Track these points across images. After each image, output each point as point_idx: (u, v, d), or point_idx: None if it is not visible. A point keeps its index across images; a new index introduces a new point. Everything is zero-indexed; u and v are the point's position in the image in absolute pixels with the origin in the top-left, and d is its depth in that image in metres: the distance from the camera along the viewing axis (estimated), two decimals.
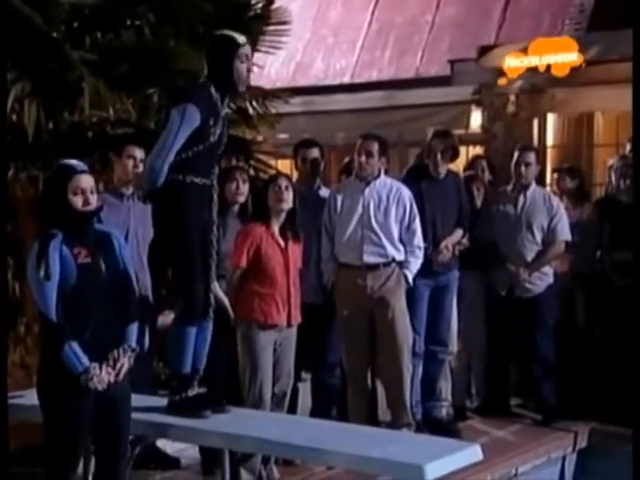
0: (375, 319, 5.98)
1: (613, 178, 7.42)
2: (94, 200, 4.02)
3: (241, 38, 4.57)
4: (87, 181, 4.00)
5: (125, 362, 4.02)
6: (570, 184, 7.41)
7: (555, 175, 7.91)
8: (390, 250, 5.94)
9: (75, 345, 3.89)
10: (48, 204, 4.01)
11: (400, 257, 5.97)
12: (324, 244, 6.01)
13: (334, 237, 5.98)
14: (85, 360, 3.90)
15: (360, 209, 5.95)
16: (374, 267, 5.93)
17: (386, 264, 5.94)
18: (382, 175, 6.05)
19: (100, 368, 3.93)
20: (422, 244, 6.05)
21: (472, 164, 7.54)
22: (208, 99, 4.50)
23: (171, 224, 4.51)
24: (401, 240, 5.98)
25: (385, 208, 5.96)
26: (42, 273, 3.85)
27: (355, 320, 5.95)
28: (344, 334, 6.01)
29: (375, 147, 5.97)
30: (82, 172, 4.01)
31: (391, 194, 5.99)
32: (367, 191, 5.98)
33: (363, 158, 5.96)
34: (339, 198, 6.00)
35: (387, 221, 5.94)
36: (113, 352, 4.00)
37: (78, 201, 3.96)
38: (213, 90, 4.51)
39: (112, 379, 3.97)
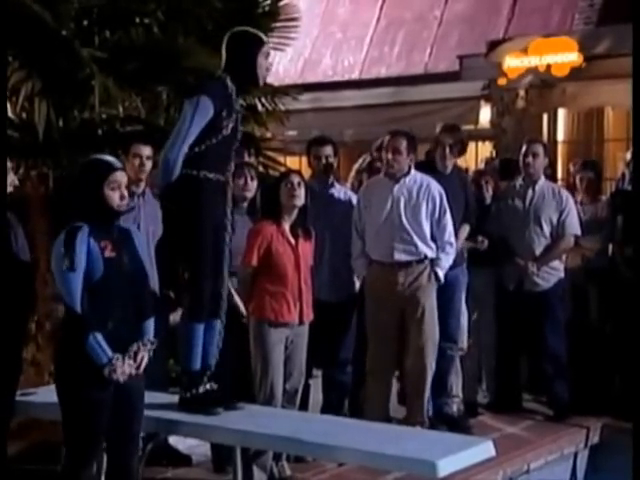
0: (405, 316, 5.96)
1: (626, 172, 7.39)
2: (127, 196, 4.09)
3: (265, 37, 4.81)
4: (123, 177, 4.07)
5: (145, 355, 4.07)
6: (586, 178, 7.35)
7: (571, 168, 7.86)
8: (422, 247, 5.90)
9: (99, 336, 3.92)
10: (82, 198, 4.04)
11: (432, 254, 5.94)
12: (354, 241, 6.00)
13: (364, 235, 5.97)
14: (109, 351, 3.94)
15: (389, 207, 5.91)
16: (405, 264, 5.90)
17: (418, 261, 5.91)
18: (412, 171, 6.01)
19: (123, 360, 3.96)
20: (453, 240, 6.02)
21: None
22: (223, 91, 4.57)
23: (184, 220, 4.54)
24: (433, 237, 5.95)
25: (415, 205, 5.91)
26: (67, 263, 3.88)
27: (384, 316, 5.93)
28: (371, 329, 5.98)
29: (403, 144, 5.93)
30: (119, 169, 4.09)
31: (421, 190, 5.94)
32: (396, 188, 5.94)
33: (390, 155, 5.93)
34: (368, 196, 5.98)
35: (417, 218, 5.90)
36: (133, 345, 4.04)
37: (115, 197, 4.01)
38: (229, 83, 4.58)
39: (133, 371, 4.01)
